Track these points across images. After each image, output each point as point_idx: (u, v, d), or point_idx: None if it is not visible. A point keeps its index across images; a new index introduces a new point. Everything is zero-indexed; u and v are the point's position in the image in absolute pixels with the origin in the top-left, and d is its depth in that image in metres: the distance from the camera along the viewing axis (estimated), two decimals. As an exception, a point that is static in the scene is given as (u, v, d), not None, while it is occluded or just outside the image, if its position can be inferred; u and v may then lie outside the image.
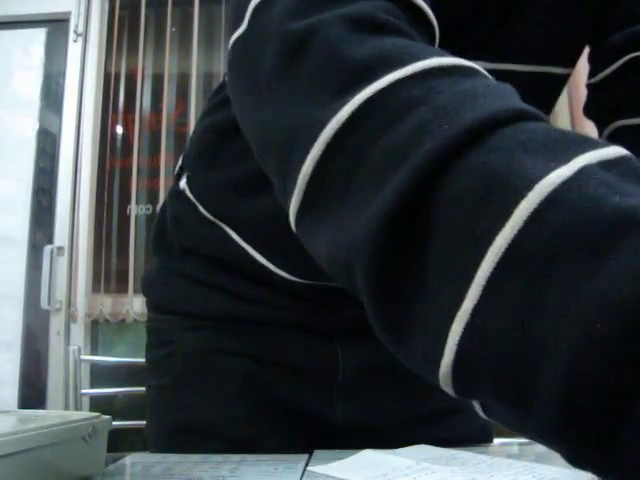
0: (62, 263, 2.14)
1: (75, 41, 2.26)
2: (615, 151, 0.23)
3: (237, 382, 0.63)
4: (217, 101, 0.66)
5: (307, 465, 0.52)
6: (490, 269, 0.22)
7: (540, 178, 0.22)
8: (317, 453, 0.56)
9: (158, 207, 2.13)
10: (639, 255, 0.19)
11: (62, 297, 2.14)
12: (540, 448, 0.71)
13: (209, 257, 0.65)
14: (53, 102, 2.27)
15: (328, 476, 0.48)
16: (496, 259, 0.22)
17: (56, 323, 2.14)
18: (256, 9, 0.38)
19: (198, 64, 2.24)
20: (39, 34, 2.26)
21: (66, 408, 1.23)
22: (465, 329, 0.22)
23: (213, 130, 0.65)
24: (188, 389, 0.64)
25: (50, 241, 2.18)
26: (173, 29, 2.29)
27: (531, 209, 0.21)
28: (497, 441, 0.73)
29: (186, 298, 0.66)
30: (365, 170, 0.28)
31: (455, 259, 0.23)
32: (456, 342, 0.23)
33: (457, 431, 0.66)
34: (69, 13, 2.26)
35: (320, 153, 0.30)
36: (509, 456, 0.54)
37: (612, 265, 0.19)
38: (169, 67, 2.25)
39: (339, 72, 0.31)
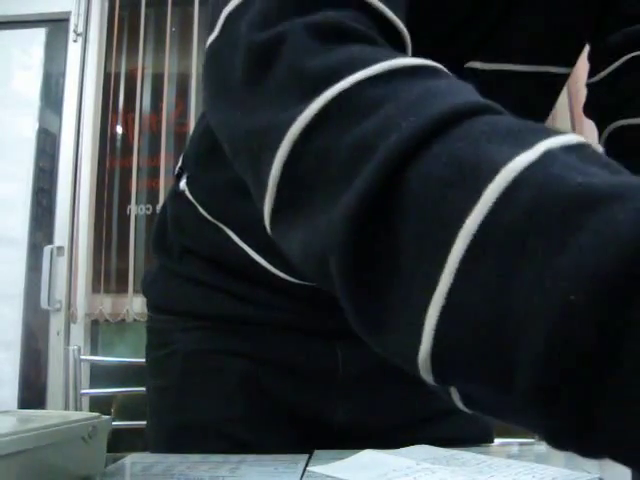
0: (62, 263, 2.14)
1: (75, 41, 2.26)
2: (575, 138, 0.24)
3: (237, 382, 0.63)
4: None
5: (307, 465, 0.52)
6: (462, 252, 0.22)
7: (506, 162, 0.22)
8: (317, 453, 0.56)
9: (158, 207, 2.13)
10: (607, 227, 0.19)
11: (62, 297, 2.13)
12: (540, 448, 0.71)
13: (209, 258, 0.65)
14: (53, 102, 2.27)
15: (328, 476, 0.48)
16: (467, 242, 0.22)
17: (56, 323, 2.14)
18: (228, 16, 0.38)
19: (198, 64, 2.23)
20: (39, 34, 2.26)
21: (66, 408, 1.23)
22: (441, 314, 0.22)
23: (213, 130, 0.65)
24: (188, 389, 0.64)
25: (50, 241, 2.17)
26: (173, 29, 2.29)
27: (499, 191, 0.22)
28: (497, 441, 0.74)
29: (186, 298, 0.66)
30: (333, 166, 0.28)
31: (426, 245, 0.23)
32: (433, 328, 0.23)
33: (457, 431, 0.66)
34: (69, 13, 2.26)
35: (287, 153, 0.30)
36: (509, 456, 0.54)
37: (581, 238, 0.20)
38: (169, 67, 2.25)
39: (304, 78, 0.31)
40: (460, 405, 0.25)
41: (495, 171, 0.22)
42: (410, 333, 0.24)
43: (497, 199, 0.22)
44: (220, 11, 0.39)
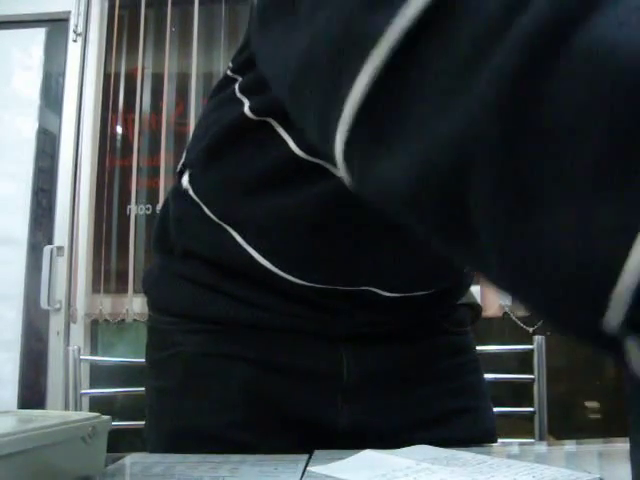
0: (62, 263, 2.14)
1: (75, 41, 2.26)
2: None
3: (239, 386, 0.63)
4: (226, 97, 0.64)
5: (307, 465, 0.52)
6: None
7: None
8: (317, 453, 0.56)
9: (158, 207, 2.13)
10: None
11: (62, 297, 2.13)
12: (540, 448, 0.70)
13: (212, 260, 0.64)
14: (53, 102, 2.27)
15: (328, 476, 0.48)
16: None
17: (56, 323, 2.14)
18: None
19: (198, 64, 2.23)
20: (39, 34, 2.26)
21: (66, 408, 1.23)
22: None
23: (220, 127, 0.63)
24: (189, 393, 0.64)
25: (50, 241, 2.17)
26: (173, 29, 2.29)
27: None
28: (497, 441, 0.73)
29: (188, 300, 0.66)
30: (452, 57, 0.23)
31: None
32: None
33: (461, 432, 0.66)
34: (69, 13, 2.26)
35: (381, 64, 0.25)
36: (509, 456, 0.54)
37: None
38: (169, 67, 2.25)
39: None
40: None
41: None
42: (602, 256, 0.19)
43: None
44: None
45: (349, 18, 0.27)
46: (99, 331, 2.23)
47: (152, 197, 2.22)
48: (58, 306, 2.13)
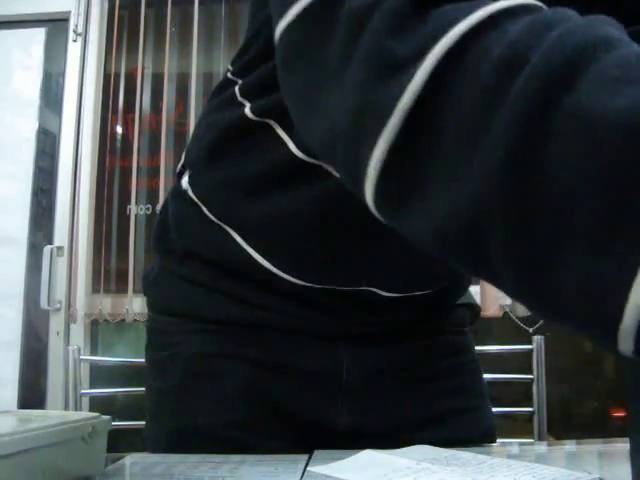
0: (62, 263, 2.14)
1: (75, 41, 2.26)
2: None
3: (239, 386, 0.63)
4: (226, 98, 0.64)
5: (307, 465, 0.52)
6: None
7: None
8: (317, 453, 0.56)
9: (158, 207, 2.13)
10: None
11: (62, 297, 2.13)
12: (540, 448, 0.70)
13: (211, 260, 0.64)
14: (53, 102, 2.27)
15: (328, 476, 0.48)
16: None
17: (56, 323, 2.14)
18: None
19: (198, 64, 2.23)
20: (38, 34, 2.26)
21: (66, 408, 1.23)
22: None
23: (220, 128, 0.63)
24: (189, 393, 0.64)
25: (50, 241, 2.17)
26: (173, 29, 2.29)
27: None
28: (497, 441, 0.73)
29: (187, 300, 0.66)
30: (457, 124, 0.27)
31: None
32: None
33: (461, 432, 0.66)
34: (68, 13, 2.26)
35: (398, 128, 0.28)
36: (509, 456, 0.54)
37: None
38: (169, 67, 2.25)
39: (400, 47, 0.30)
40: None
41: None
42: (608, 299, 0.21)
43: None
44: None
45: (365, 89, 0.30)
46: (99, 331, 2.23)
47: (152, 197, 2.22)
48: (58, 306, 2.13)
